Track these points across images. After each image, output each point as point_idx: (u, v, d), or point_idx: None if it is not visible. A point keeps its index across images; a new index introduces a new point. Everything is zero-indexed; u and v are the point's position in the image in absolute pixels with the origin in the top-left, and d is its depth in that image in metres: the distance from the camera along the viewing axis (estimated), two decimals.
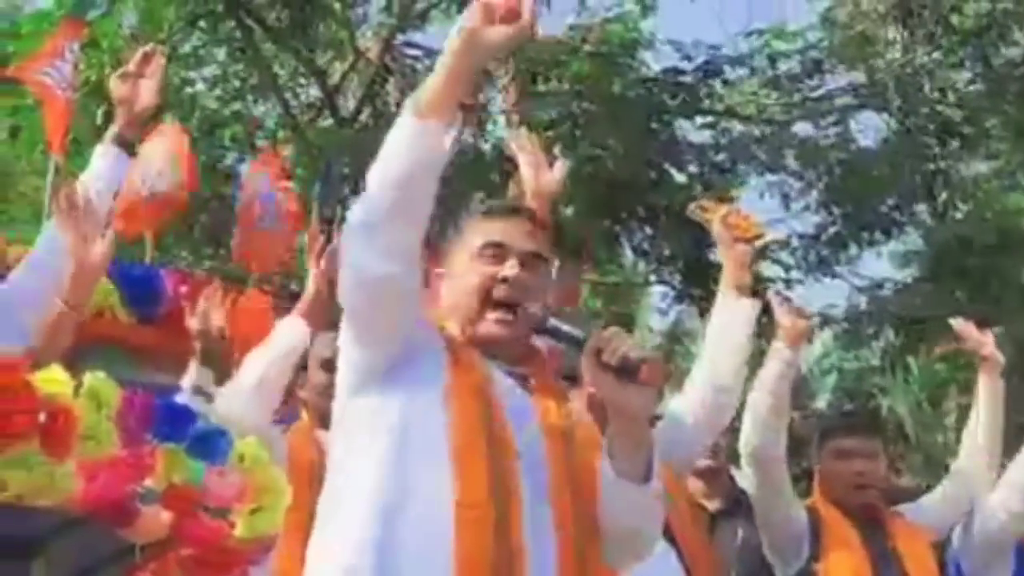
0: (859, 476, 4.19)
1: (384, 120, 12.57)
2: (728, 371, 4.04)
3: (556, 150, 11.62)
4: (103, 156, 3.56)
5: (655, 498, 2.46)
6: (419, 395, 2.43)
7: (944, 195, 12.81)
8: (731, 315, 4.08)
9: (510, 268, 2.53)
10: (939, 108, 12.14)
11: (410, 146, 2.33)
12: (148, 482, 2.07)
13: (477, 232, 2.60)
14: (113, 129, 3.63)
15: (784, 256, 12.85)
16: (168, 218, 7.58)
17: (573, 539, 2.41)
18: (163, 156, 7.12)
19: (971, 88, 12.39)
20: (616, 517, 2.46)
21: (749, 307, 4.06)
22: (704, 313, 12.59)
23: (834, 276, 12.88)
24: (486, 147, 12.74)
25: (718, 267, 12.34)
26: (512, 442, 2.42)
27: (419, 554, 2.29)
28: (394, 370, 2.45)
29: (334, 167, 11.09)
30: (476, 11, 2.29)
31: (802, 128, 13.05)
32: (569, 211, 11.73)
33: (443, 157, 2.32)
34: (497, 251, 2.56)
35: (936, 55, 12.19)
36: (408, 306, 2.43)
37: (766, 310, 4.31)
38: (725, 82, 12.24)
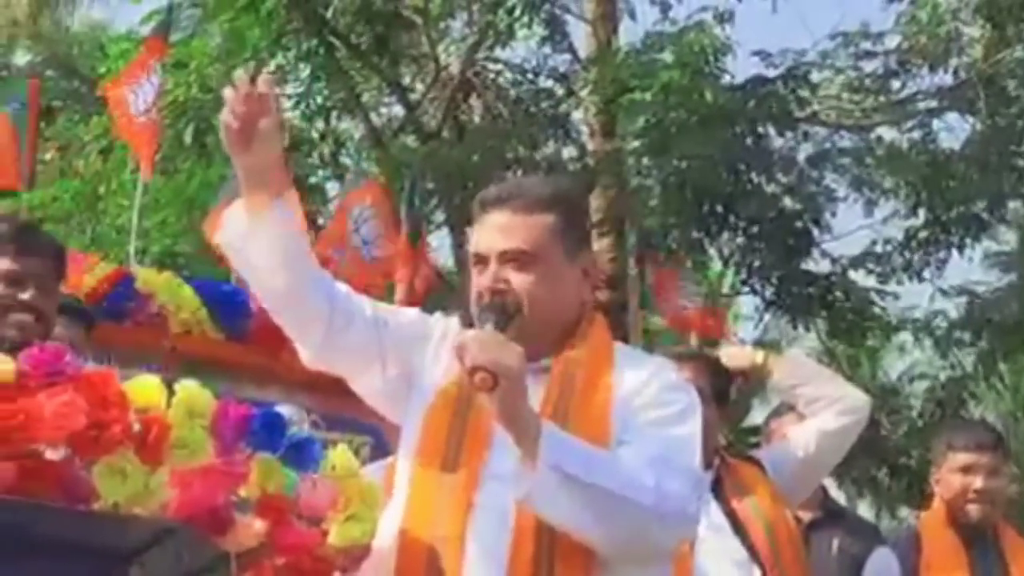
0: (980, 493, 4.16)
1: (466, 135, 12.63)
2: (854, 393, 4.10)
3: (645, 160, 11.63)
4: None
5: (564, 488, 2.23)
6: (413, 420, 2.50)
7: None
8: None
9: (484, 279, 2.48)
10: None
11: (240, 243, 2.45)
12: (242, 491, 2.08)
13: (471, 241, 2.59)
14: None
15: (871, 264, 12.69)
16: None
17: (531, 565, 2.29)
18: None
19: None
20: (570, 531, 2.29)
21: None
22: (794, 323, 12.48)
23: (921, 280, 12.68)
24: (568, 159, 12.73)
25: (809, 277, 12.18)
26: (479, 459, 2.36)
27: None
28: (407, 398, 2.54)
29: (418, 183, 11.14)
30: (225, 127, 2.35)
31: (887, 132, 12.92)
32: (656, 222, 11.70)
33: (268, 237, 2.40)
34: (479, 261, 2.52)
35: (1021, 52, 12.00)
36: (366, 355, 2.51)
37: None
38: (812, 88, 12.13)
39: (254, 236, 2.40)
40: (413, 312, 2.67)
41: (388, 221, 8.91)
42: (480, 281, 2.49)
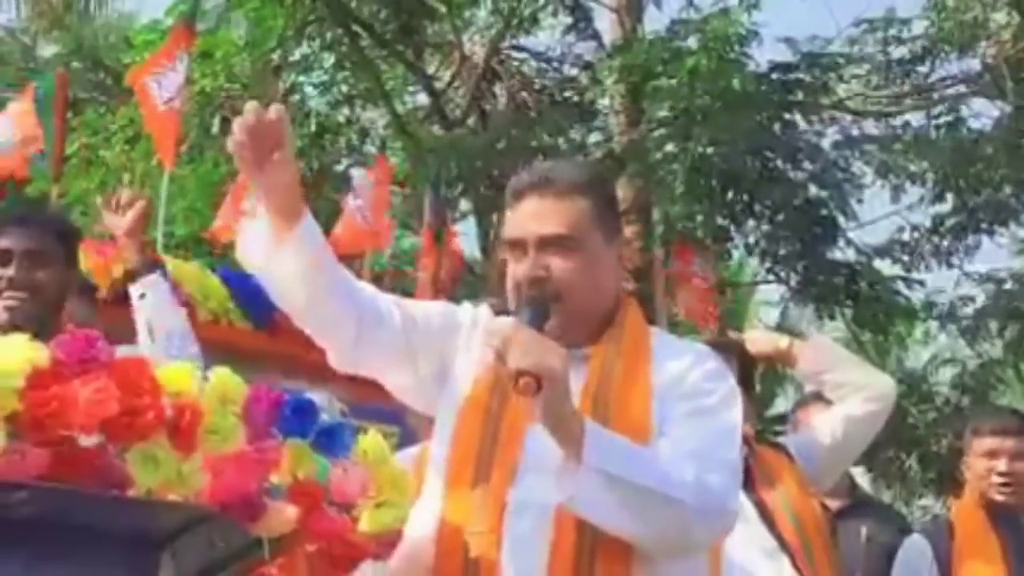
0: (1005, 476, 4.20)
1: (491, 123, 12.63)
2: (880, 379, 4.09)
3: (670, 146, 11.60)
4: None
5: (607, 490, 2.22)
6: (447, 410, 2.48)
7: None
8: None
9: (523, 267, 2.44)
10: None
11: (258, 258, 2.44)
12: (273, 478, 2.09)
13: (505, 227, 2.54)
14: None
15: (898, 252, 12.64)
16: None
17: (573, 558, 2.28)
18: None
19: None
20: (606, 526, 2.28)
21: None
22: (820, 312, 12.42)
23: (950, 267, 12.64)
24: (593, 146, 12.72)
25: (834, 265, 12.06)
26: (514, 455, 2.35)
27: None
28: (441, 391, 2.52)
29: (443, 170, 11.14)
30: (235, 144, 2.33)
31: (913, 118, 12.85)
32: (679, 209, 11.67)
33: (288, 255, 2.38)
34: (516, 247, 2.48)
35: None
36: (395, 354, 2.49)
37: None
38: (839, 74, 12.08)
39: (277, 256, 2.38)
40: (440, 305, 2.64)
41: (381, 198, 9.03)
42: (518, 269, 2.45)
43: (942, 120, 12.40)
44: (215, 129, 11.76)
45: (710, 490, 2.28)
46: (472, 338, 2.52)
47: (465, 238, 13.68)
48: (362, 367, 2.54)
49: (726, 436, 2.41)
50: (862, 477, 12.40)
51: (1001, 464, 4.23)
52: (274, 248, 2.38)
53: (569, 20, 12.61)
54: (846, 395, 4.03)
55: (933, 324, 14.14)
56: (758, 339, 4.31)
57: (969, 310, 12.89)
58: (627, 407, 2.38)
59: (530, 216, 2.47)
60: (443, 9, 12.42)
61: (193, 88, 10.73)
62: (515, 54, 13.28)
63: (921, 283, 12.60)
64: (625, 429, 2.32)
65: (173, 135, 7.83)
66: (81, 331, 2.04)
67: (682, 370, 2.45)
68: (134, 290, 3.68)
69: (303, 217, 2.39)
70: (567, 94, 12.81)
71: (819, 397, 4.49)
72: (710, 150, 11.06)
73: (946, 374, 15.30)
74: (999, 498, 4.23)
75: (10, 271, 3.03)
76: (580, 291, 2.42)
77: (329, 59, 12.54)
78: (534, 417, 2.24)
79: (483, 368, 2.42)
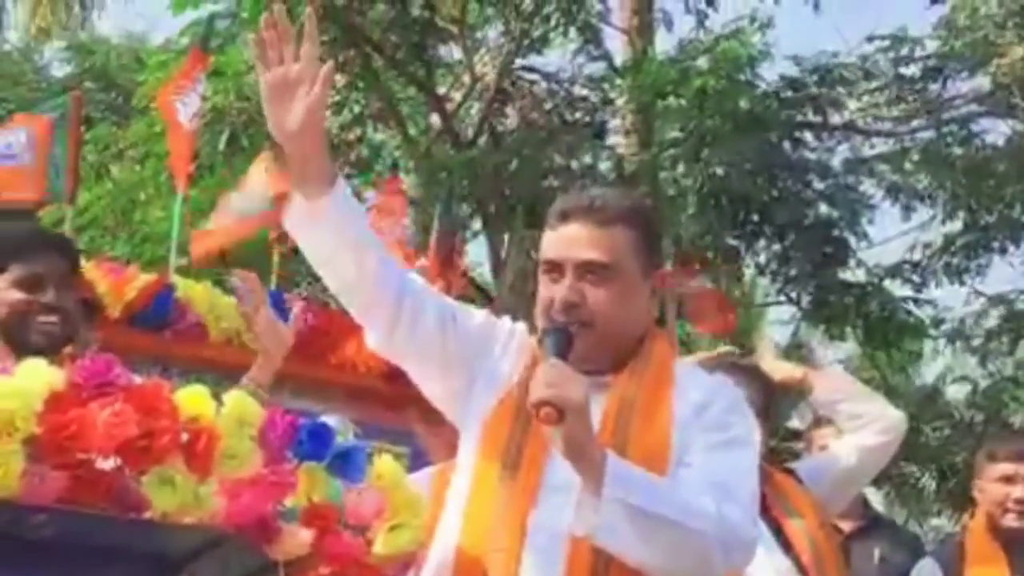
0: (1021, 502, 4.22)
1: (503, 144, 12.63)
2: (892, 412, 4.13)
3: (680, 167, 11.60)
4: None
5: (628, 521, 2.23)
6: (472, 429, 2.51)
7: None
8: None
9: (559, 290, 2.46)
10: None
11: (298, 233, 2.43)
12: (288, 500, 2.10)
13: (543, 246, 2.56)
14: None
15: (908, 272, 12.64)
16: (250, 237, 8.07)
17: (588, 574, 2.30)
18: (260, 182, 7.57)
19: None
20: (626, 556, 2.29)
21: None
22: (831, 334, 12.40)
23: (962, 284, 12.63)
24: (603, 167, 12.72)
25: (847, 286, 12.00)
26: (538, 469, 2.37)
27: None
28: (466, 406, 2.55)
29: (455, 190, 11.14)
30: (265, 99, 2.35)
31: (924, 136, 12.84)
32: (690, 229, 11.67)
33: (325, 226, 2.39)
34: (553, 269, 2.50)
35: None
36: (430, 354, 2.51)
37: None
38: (848, 90, 12.09)
39: (313, 224, 2.40)
40: (482, 316, 2.65)
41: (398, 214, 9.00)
42: (554, 289, 2.47)
43: (953, 139, 12.40)
44: (222, 145, 11.79)
45: (730, 522, 2.29)
46: (509, 347, 2.55)
47: (476, 258, 13.68)
48: (397, 356, 2.56)
49: (746, 470, 2.42)
50: (875, 495, 12.39)
51: (1018, 490, 4.23)
52: (310, 211, 2.39)
53: (580, 41, 12.63)
54: (860, 426, 4.08)
55: (941, 340, 14.11)
56: (776, 367, 4.35)
57: (979, 328, 12.89)
58: (647, 435, 2.39)
59: (572, 240, 2.49)
60: (454, 30, 12.44)
61: (206, 106, 10.76)
62: (526, 75, 13.29)
63: (932, 303, 12.60)
64: (643, 457, 2.33)
65: (188, 155, 7.87)
66: (99, 356, 2.05)
67: (705, 401, 2.46)
68: None
69: (336, 186, 2.39)
70: (578, 114, 12.81)
71: (830, 420, 4.51)
72: (720, 171, 11.07)
73: (959, 391, 15.29)
74: (1016, 524, 4.22)
75: (47, 296, 3.06)
76: (611, 320, 2.45)
77: (341, 79, 12.55)
78: (555, 447, 2.25)
79: (510, 390, 2.45)
